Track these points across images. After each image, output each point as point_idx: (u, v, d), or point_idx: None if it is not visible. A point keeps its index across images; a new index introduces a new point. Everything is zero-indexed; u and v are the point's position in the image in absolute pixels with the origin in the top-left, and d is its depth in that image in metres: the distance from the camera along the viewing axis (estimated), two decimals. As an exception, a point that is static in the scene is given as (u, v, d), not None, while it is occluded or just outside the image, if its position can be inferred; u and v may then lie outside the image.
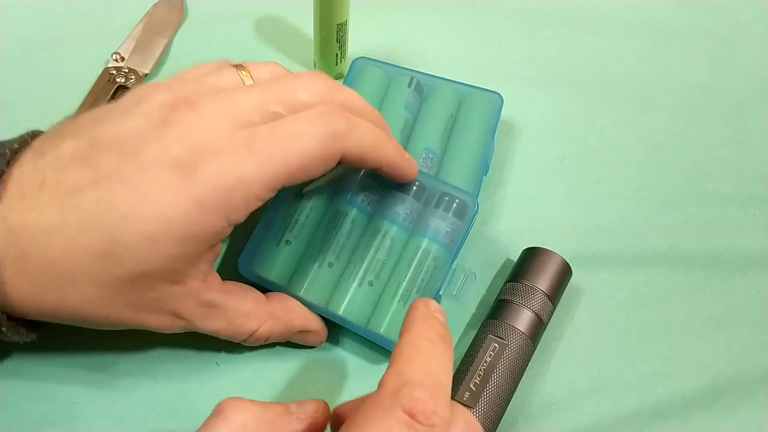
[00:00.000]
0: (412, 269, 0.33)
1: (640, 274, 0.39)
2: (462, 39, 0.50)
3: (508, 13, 0.52)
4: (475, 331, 0.35)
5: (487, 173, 0.41)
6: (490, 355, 0.32)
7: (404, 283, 0.33)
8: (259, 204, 0.27)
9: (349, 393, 0.34)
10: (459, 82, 0.42)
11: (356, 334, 0.34)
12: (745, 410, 0.35)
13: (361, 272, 0.33)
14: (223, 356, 0.34)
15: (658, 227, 0.41)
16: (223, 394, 0.33)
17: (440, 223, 0.34)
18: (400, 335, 0.25)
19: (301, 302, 0.33)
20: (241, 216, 0.27)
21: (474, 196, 0.35)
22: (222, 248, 0.36)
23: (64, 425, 0.31)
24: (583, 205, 0.42)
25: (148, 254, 0.25)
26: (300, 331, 0.33)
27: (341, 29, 0.43)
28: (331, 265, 0.33)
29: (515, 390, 0.33)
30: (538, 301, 0.34)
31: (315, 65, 0.47)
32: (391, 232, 0.34)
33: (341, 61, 0.46)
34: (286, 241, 0.34)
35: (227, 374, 0.34)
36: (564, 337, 0.37)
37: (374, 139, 0.30)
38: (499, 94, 0.42)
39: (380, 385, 0.23)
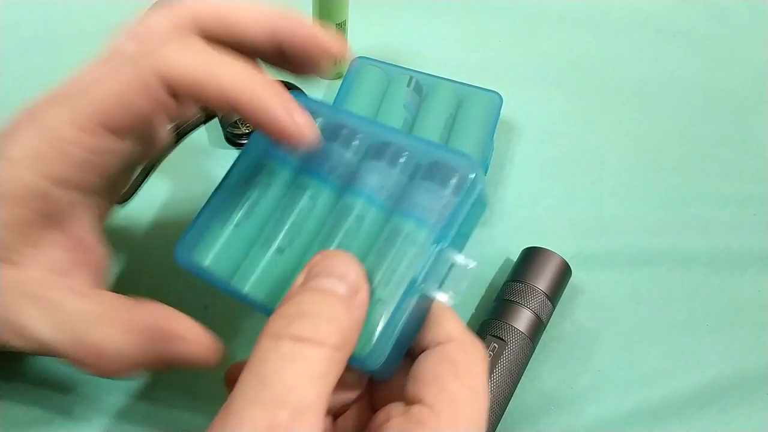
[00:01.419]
0: (382, 254, 0.25)
1: (640, 274, 0.39)
2: (461, 39, 0.50)
3: (507, 12, 0.52)
4: (474, 332, 0.35)
5: (486, 173, 0.41)
6: (490, 355, 0.32)
7: (369, 272, 0.25)
8: (80, 153, 0.24)
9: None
10: (458, 82, 0.42)
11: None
12: (745, 410, 0.35)
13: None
14: (223, 358, 0.34)
15: (658, 227, 0.41)
16: (223, 394, 0.33)
17: (424, 196, 0.25)
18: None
19: (248, 301, 0.26)
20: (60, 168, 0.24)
21: (475, 163, 0.26)
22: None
23: (65, 425, 0.31)
24: (583, 205, 0.42)
25: None
26: (172, 346, 0.25)
27: (340, 29, 0.43)
28: (281, 251, 0.26)
29: (515, 390, 0.33)
30: (537, 300, 0.34)
31: (314, 65, 0.47)
32: (358, 208, 0.26)
33: (340, 61, 0.46)
34: (235, 224, 0.27)
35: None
36: (563, 337, 0.36)
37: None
38: (498, 94, 0.42)
39: None
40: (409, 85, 0.42)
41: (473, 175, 0.25)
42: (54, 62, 0.46)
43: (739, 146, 0.45)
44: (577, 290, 0.38)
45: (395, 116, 0.41)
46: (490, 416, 0.31)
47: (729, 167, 0.44)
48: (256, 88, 0.24)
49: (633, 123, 0.46)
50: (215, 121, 0.44)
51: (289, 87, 0.46)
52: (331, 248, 0.25)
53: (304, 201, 0.27)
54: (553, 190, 0.42)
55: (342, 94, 0.42)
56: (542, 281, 0.35)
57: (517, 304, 0.34)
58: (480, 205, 0.26)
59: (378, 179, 0.26)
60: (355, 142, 0.27)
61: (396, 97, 0.41)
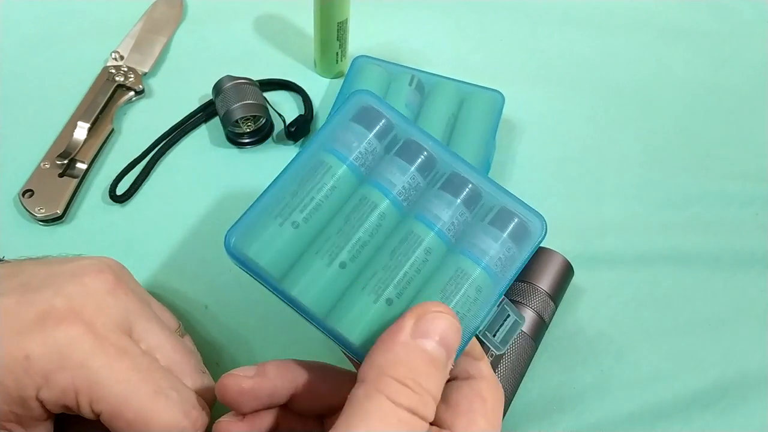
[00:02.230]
0: (446, 297, 0.25)
1: (642, 274, 0.39)
2: (463, 37, 0.50)
3: (509, 11, 0.51)
4: (477, 331, 0.35)
5: (488, 172, 0.41)
6: (492, 355, 0.32)
7: None
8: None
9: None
10: (460, 81, 0.42)
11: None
12: (747, 410, 0.35)
13: (380, 284, 0.25)
14: (223, 357, 0.34)
15: (660, 226, 0.41)
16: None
17: (492, 244, 0.26)
18: None
19: (294, 304, 0.25)
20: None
21: (542, 219, 0.26)
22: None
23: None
24: (585, 205, 0.42)
25: None
26: None
27: (342, 27, 0.43)
28: (343, 265, 0.25)
29: (517, 390, 0.33)
30: (539, 300, 0.34)
31: (315, 64, 0.47)
32: (427, 240, 0.26)
33: (341, 60, 0.46)
34: (293, 223, 0.25)
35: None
36: (566, 337, 0.36)
37: None
38: (500, 93, 0.42)
39: None
40: (410, 83, 0.42)
41: (544, 234, 0.26)
42: (53, 61, 0.46)
43: (742, 146, 0.45)
44: (580, 290, 0.38)
45: (397, 115, 0.41)
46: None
47: (732, 167, 0.44)
48: None
49: (635, 122, 0.46)
50: (216, 119, 0.43)
51: (290, 86, 0.45)
52: (386, 273, 0.25)
53: (372, 219, 0.26)
54: (556, 189, 0.42)
55: (343, 94, 0.42)
56: (544, 281, 0.35)
57: (520, 304, 0.34)
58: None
59: (447, 213, 0.26)
60: (431, 169, 0.27)
61: (398, 96, 0.41)
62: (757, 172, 0.44)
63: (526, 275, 0.35)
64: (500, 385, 0.25)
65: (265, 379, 0.26)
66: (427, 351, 0.22)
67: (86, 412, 0.25)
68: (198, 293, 0.36)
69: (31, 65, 0.45)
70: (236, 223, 0.25)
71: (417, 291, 0.25)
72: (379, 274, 0.25)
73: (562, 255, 0.36)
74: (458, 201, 0.26)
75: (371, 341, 0.24)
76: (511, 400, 0.32)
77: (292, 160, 0.27)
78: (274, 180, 0.26)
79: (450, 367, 0.23)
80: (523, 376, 0.33)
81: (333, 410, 0.27)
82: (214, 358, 0.34)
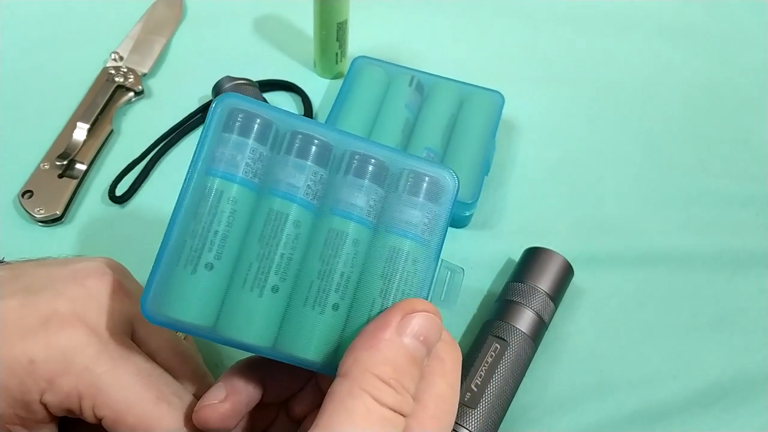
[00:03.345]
0: (387, 280, 0.25)
1: (642, 274, 0.39)
2: (463, 38, 0.50)
3: (509, 12, 0.51)
4: (476, 332, 0.35)
5: (488, 173, 0.41)
6: (491, 355, 0.32)
7: (380, 299, 0.25)
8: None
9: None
10: (460, 81, 0.42)
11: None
12: (747, 410, 0.35)
13: (321, 295, 0.24)
14: (224, 358, 0.34)
15: (660, 227, 0.41)
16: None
17: (413, 213, 0.25)
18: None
19: (238, 346, 0.24)
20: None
21: (450, 171, 0.26)
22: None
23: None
24: (585, 205, 0.42)
25: None
26: None
27: (341, 28, 0.43)
28: (276, 289, 0.24)
29: (516, 390, 0.33)
30: (539, 301, 0.34)
31: (315, 64, 0.47)
32: (351, 232, 0.25)
33: (341, 60, 0.46)
34: (206, 265, 0.24)
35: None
36: (566, 338, 0.36)
37: None
38: (500, 93, 0.42)
39: None
40: (410, 84, 0.42)
41: (457, 185, 0.26)
42: (53, 62, 0.46)
43: (742, 146, 0.45)
44: (579, 290, 0.38)
45: (396, 116, 0.40)
46: (492, 416, 0.31)
47: (731, 167, 0.44)
48: None
49: (635, 122, 0.46)
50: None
51: (290, 87, 0.45)
52: (323, 279, 0.24)
53: (288, 230, 0.24)
54: (555, 190, 0.42)
55: (343, 94, 0.42)
56: (544, 281, 0.35)
57: (519, 305, 0.34)
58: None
59: (361, 197, 0.25)
60: (329, 156, 0.25)
61: (397, 97, 0.41)
62: (756, 172, 0.44)
63: (525, 276, 0.35)
64: (457, 344, 0.25)
65: (238, 394, 0.25)
66: (410, 350, 0.22)
67: (88, 416, 0.25)
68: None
69: (31, 65, 0.45)
70: (146, 286, 0.24)
71: (358, 285, 0.25)
72: (315, 284, 0.24)
73: (562, 255, 0.36)
74: (367, 182, 0.25)
75: (332, 351, 0.24)
76: (511, 400, 0.32)
77: (179, 197, 0.24)
78: (168, 225, 0.24)
79: (426, 363, 0.23)
80: (523, 376, 0.33)
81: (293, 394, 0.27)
82: (214, 359, 0.34)
